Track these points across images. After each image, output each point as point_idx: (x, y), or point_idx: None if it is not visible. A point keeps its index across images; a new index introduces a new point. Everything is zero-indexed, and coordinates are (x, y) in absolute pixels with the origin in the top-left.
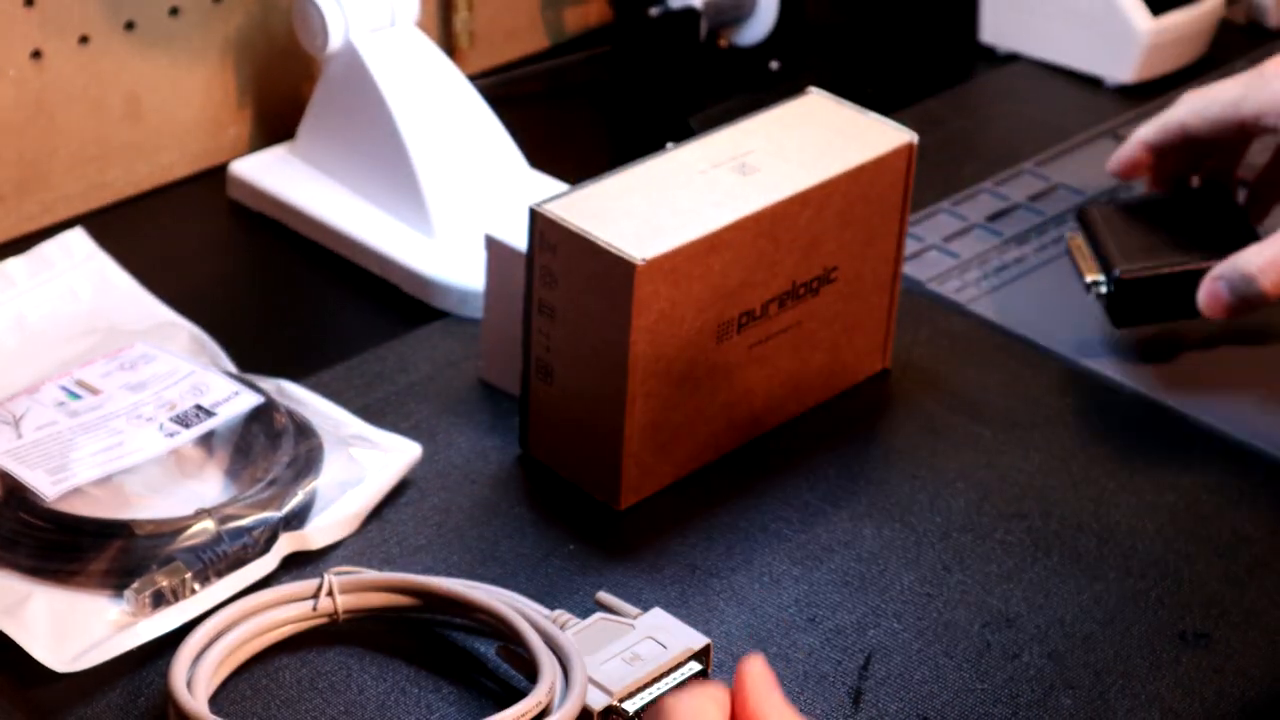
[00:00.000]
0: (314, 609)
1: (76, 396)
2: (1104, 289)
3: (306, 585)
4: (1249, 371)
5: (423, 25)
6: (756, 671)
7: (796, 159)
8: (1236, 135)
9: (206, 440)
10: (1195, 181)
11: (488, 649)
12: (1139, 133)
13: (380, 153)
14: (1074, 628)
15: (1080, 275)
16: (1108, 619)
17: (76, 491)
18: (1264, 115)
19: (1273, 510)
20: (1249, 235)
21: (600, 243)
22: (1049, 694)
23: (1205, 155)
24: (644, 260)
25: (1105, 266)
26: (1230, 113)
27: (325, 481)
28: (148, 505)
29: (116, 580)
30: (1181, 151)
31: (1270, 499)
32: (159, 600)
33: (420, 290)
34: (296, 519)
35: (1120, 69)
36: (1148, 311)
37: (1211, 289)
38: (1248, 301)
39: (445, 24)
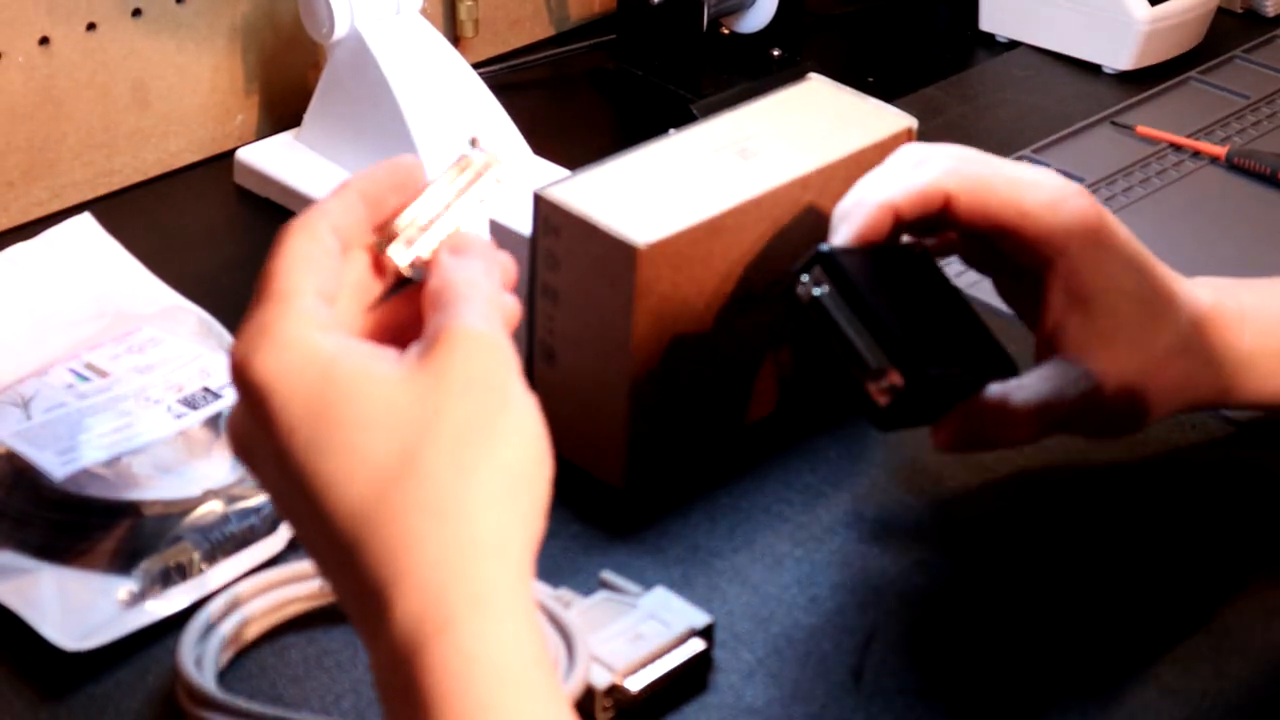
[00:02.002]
0: (321, 588)
1: (85, 379)
2: (887, 384)
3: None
4: None
5: (427, 13)
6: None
7: (797, 144)
8: (988, 233)
9: (214, 422)
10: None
11: None
12: (884, 196)
13: (385, 139)
14: (1073, 607)
15: (843, 350)
16: (1106, 598)
17: (85, 472)
18: (1038, 246)
19: (1273, 490)
20: (979, 328)
21: (603, 226)
22: (1049, 673)
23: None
24: (646, 244)
25: (893, 352)
26: (1006, 219)
27: None
28: (156, 486)
29: (125, 560)
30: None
31: (1270, 479)
32: (167, 579)
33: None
34: None
35: (1118, 56)
36: (918, 415)
37: (960, 434)
38: (987, 448)
39: (450, 12)
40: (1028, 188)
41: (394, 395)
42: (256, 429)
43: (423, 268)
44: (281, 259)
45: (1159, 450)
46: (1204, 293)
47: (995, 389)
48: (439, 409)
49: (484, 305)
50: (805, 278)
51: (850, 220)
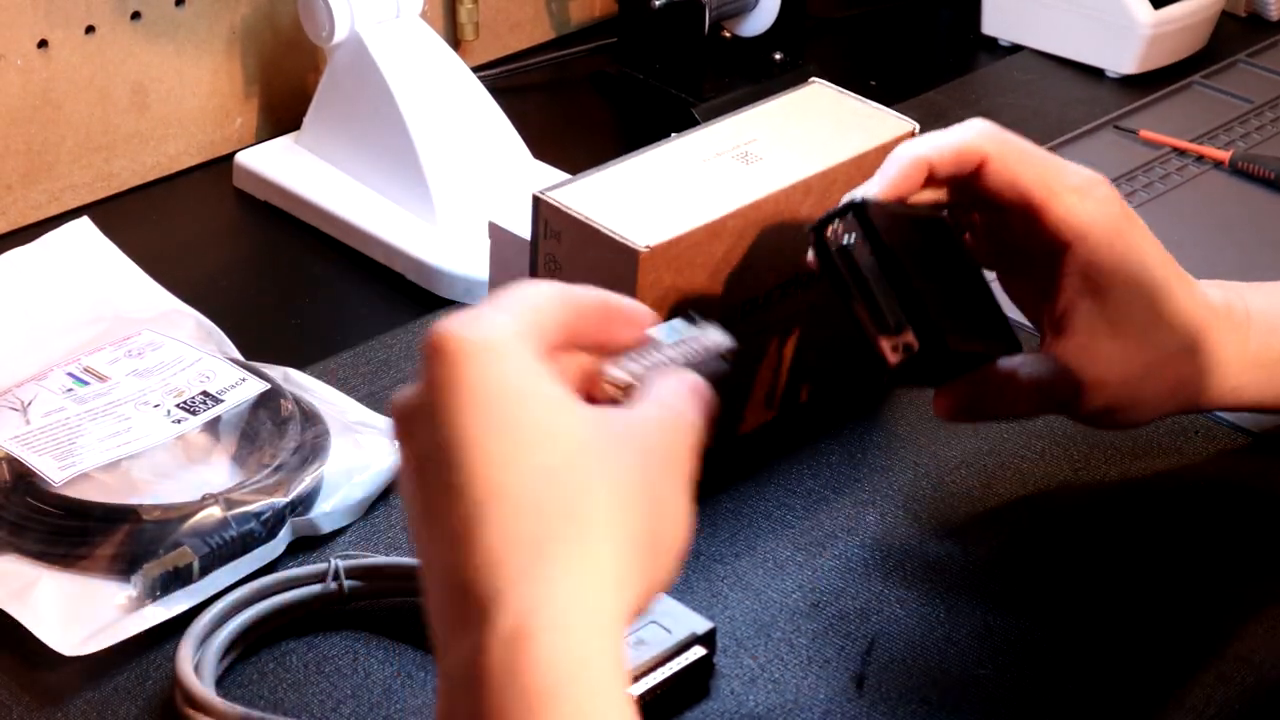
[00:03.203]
0: (321, 593)
1: (84, 383)
2: (902, 344)
3: (314, 569)
4: None
5: (428, 16)
6: None
7: (799, 148)
8: (1012, 207)
9: (213, 426)
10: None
11: None
12: (919, 150)
13: (385, 143)
14: (1077, 614)
15: (865, 302)
16: (1110, 604)
17: (84, 477)
18: (1061, 227)
19: (1273, 495)
20: (991, 303)
21: (604, 230)
22: (1052, 679)
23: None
24: (647, 247)
25: (914, 314)
26: (1034, 194)
27: (331, 467)
28: (155, 491)
29: (124, 565)
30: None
31: (1270, 484)
32: (166, 585)
33: (425, 278)
34: (303, 504)
35: (1122, 61)
36: (924, 378)
37: (962, 404)
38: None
39: (450, 15)
40: (1059, 169)
41: (589, 427)
42: (436, 398)
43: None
44: (545, 294)
45: (1169, 459)
46: (1214, 293)
47: (1004, 363)
48: (635, 448)
49: (682, 386)
50: (836, 223)
51: (883, 171)
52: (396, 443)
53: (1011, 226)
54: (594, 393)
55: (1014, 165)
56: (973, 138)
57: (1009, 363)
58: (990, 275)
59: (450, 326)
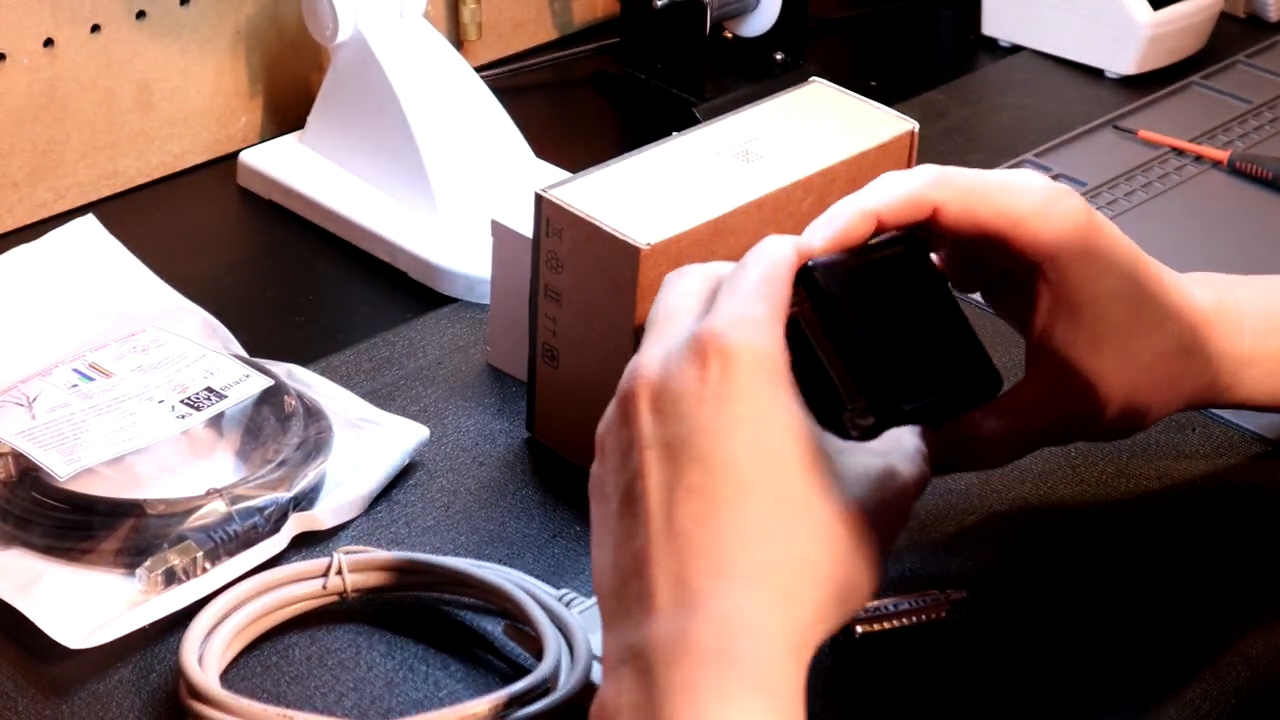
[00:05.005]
0: (324, 587)
1: (89, 379)
2: (864, 422)
3: (316, 564)
4: None
5: (431, 16)
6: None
7: (800, 146)
8: (977, 240)
9: (217, 422)
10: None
11: (494, 627)
12: (865, 202)
13: (389, 142)
14: (1074, 609)
15: (818, 376)
16: (1107, 601)
17: (89, 472)
18: (1028, 251)
19: (1273, 495)
20: (968, 337)
21: (605, 227)
22: (1047, 675)
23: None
24: (648, 245)
25: (867, 386)
26: (995, 227)
27: (334, 463)
28: (159, 485)
29: (129, 559)
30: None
31: (1270, 484)
32: (170, 578)
33: (428, 276)
34: (306, 499)
35: (1121, 61)
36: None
37: (936, 458)
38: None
39: (453, 15)
40: (1017, 193)
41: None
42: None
43: None
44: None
45: (1167, 457)
46: (1203, 292)
47: (968, 418)
48: (852, 501)
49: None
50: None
51: (829, 223)
52: (638, 412)
53: (981, 255)
54: None
55: (970, 205)
56: (922, 187)
57: (978, 415)
58: (975, 294)
59: (730, 332)
